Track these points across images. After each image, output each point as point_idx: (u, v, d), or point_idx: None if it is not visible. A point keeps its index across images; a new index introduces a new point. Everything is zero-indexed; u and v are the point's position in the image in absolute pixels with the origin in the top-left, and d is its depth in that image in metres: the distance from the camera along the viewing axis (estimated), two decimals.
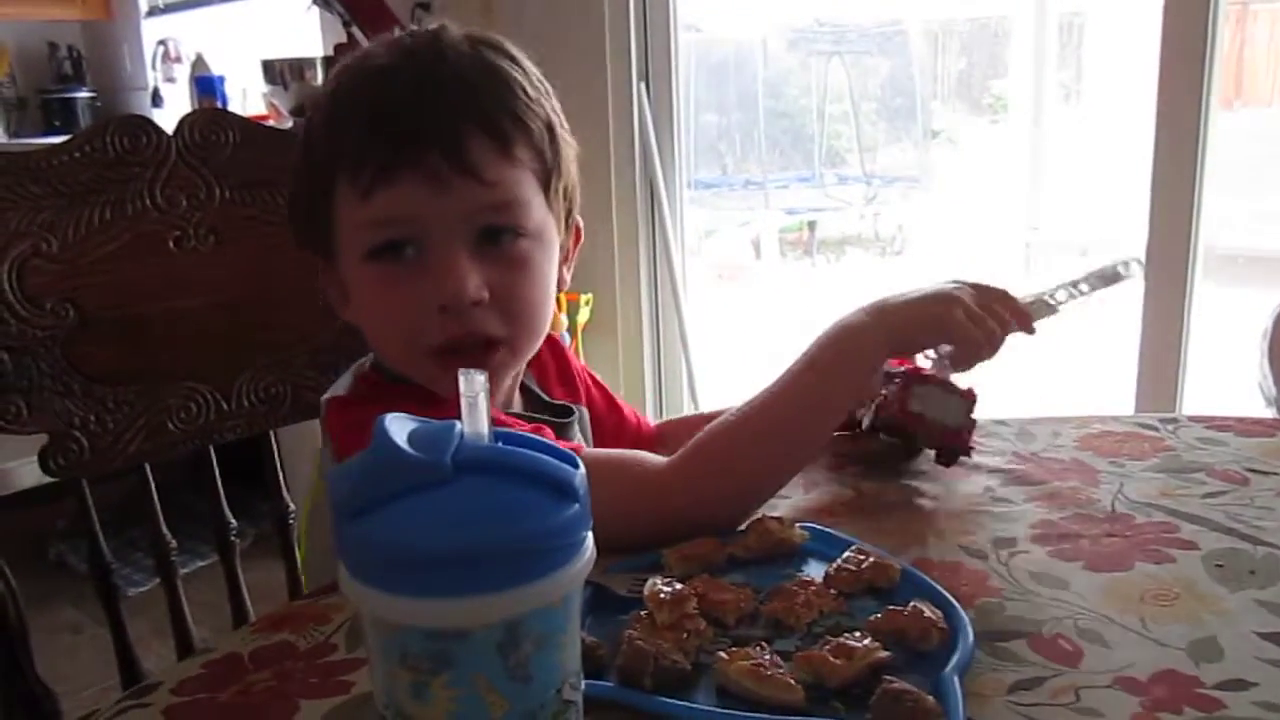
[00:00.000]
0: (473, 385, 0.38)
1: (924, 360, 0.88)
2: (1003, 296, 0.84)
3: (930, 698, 0.54)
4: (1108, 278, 0.87)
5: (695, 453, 0.77)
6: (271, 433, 1.07)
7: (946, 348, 0.85)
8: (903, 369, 0.87)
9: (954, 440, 0.85)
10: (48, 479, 0.93)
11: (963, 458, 0.87)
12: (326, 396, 0.88)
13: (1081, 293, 0.87)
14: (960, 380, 0.86)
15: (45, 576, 2.61)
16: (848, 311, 0.81)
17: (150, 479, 0.99)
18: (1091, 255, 3.33)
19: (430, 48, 0.79)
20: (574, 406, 0.95)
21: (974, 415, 0.84)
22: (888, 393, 0.87)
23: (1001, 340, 0.82)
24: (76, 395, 0.92)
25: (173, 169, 0.96)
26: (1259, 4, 2.88)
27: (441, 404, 0.75)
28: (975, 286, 0.83)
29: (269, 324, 1.03)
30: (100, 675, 1.95)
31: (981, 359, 0.82)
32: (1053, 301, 0.87)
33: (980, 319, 0.81)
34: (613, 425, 1.02)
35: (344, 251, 0.82)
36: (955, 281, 0.84)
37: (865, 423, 0.87)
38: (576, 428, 0.94)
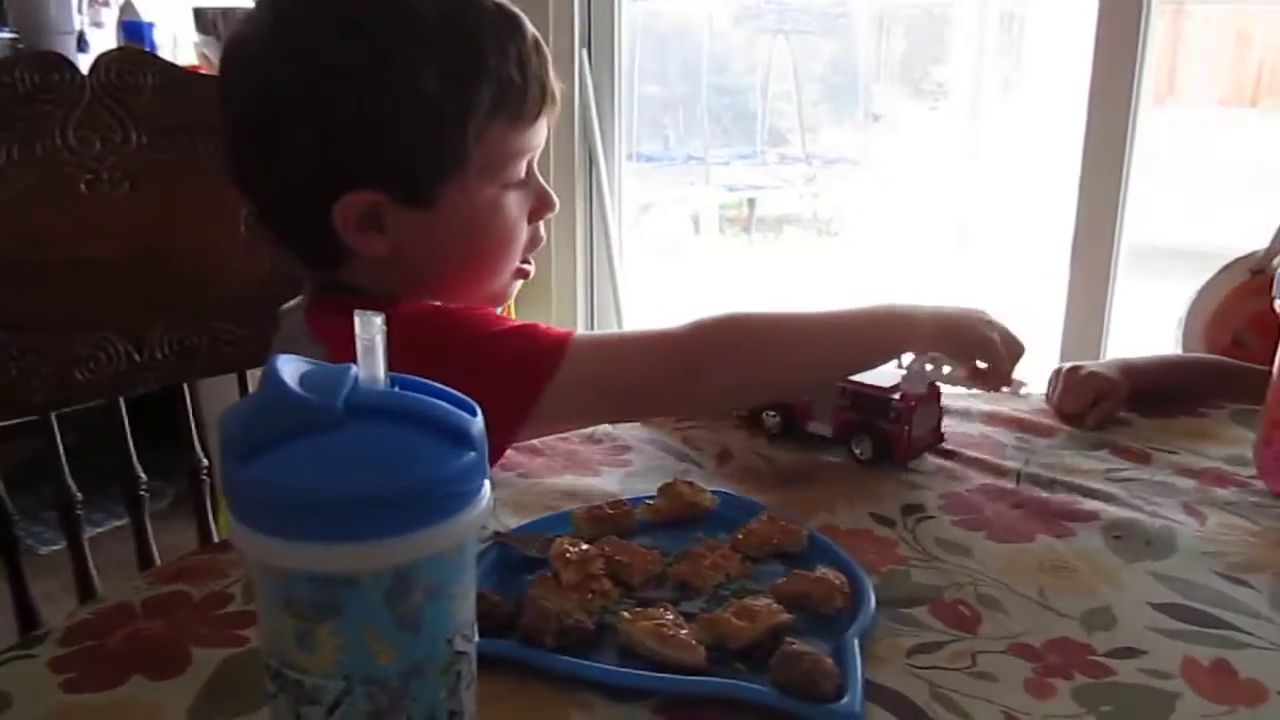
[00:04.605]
0: (369, 328, 0.38)
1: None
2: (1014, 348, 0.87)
3: (829, 659, 0.55)
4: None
5: (714, 319, 0.81)
6: (186, 387, 1.04)
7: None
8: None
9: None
10: None
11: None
12: (302, 305, 0.87)
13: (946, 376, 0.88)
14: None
15: None
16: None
17: (56, 430, 0.96)
18: (1022, 244, 3.39)
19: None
20: None
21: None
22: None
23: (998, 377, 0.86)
24: None
25: (87, 109, 0.93)
26: (1193, 4, 2.94)
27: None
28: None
29: (185, 274, 1.00)
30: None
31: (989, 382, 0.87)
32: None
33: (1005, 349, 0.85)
34: None
35: (481, 176, 0.82)
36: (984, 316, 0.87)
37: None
38: None
